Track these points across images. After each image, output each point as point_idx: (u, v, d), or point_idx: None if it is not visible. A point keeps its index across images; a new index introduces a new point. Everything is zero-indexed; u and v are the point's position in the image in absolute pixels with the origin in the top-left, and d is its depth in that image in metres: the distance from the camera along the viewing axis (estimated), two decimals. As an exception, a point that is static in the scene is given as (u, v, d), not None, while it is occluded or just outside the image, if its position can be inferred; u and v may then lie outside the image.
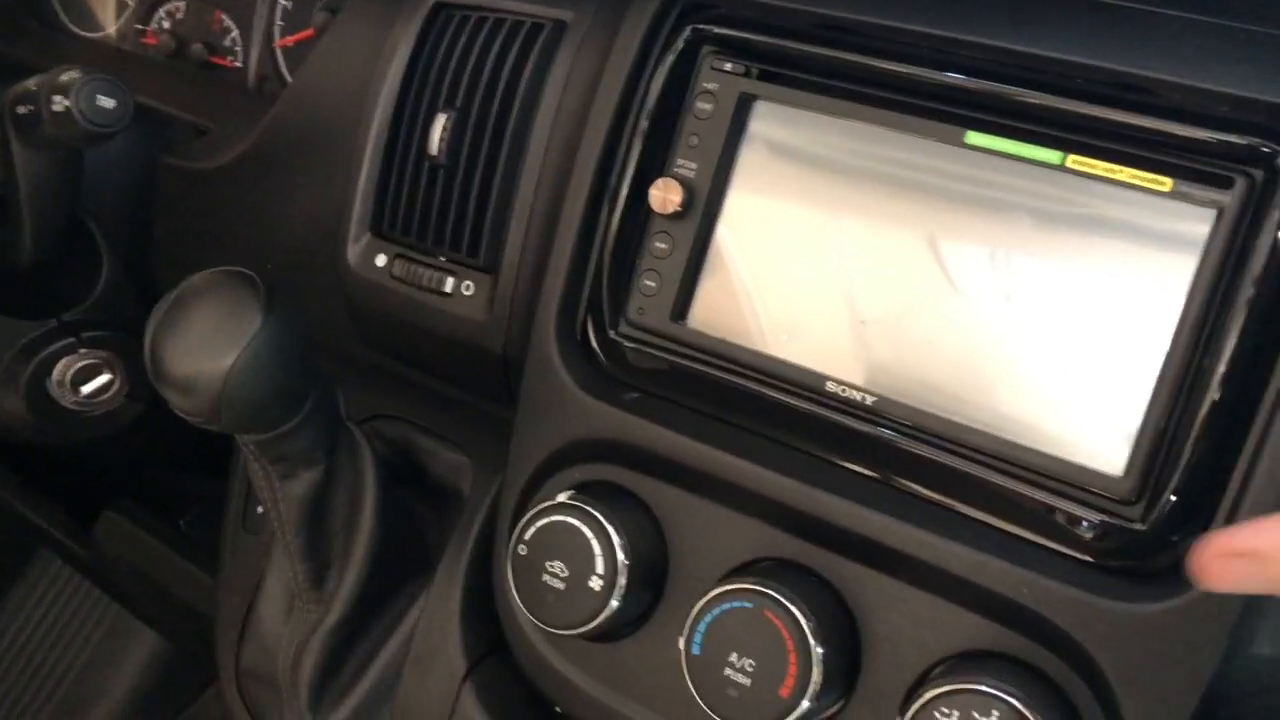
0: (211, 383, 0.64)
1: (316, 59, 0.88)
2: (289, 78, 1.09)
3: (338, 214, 0.83)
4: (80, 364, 0.95)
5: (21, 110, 0.80)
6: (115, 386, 0.97)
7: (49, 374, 0.94)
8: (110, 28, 1.20)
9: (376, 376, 0.85)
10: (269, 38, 1.10)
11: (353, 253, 0.81)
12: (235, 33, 1.12)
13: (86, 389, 0.95)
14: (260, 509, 0.85)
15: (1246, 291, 0.54)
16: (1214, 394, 0.55)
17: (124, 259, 0.98)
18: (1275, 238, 0.54)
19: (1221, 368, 0.55)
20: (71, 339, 0.95)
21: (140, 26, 1.17)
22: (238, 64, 1.12)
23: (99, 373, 0.96)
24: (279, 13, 1.09)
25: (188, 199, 0.97)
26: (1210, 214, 0.55)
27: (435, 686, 0.74)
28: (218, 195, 0.94)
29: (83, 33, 1.22)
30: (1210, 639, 0.54)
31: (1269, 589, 0.47)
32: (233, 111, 1.05)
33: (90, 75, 0.77)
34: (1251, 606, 0.54)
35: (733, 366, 0.67)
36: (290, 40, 1.09)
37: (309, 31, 1.06)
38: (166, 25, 1.16)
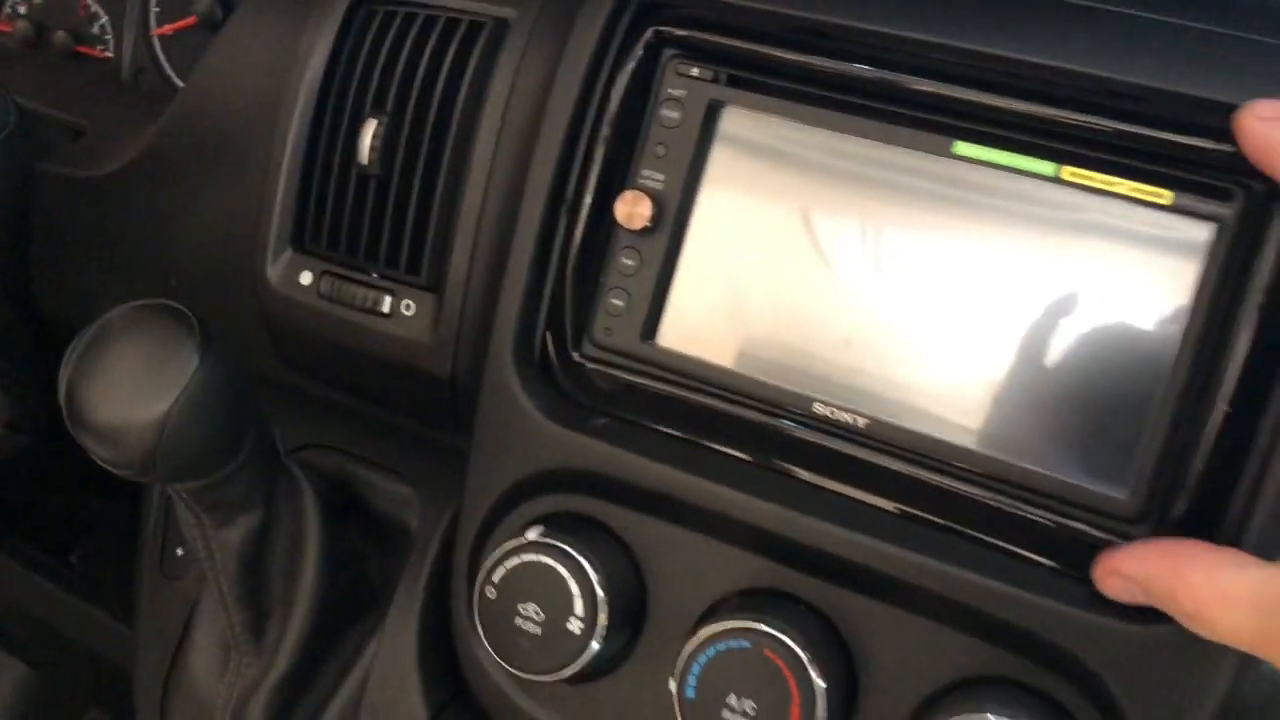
0: (144, 432, 0.57)
1: (219, 51, 0.81)
2: (169, 69, 1.00)
3: (252, 227, 0.76)
4: (-47, 395, 0.86)
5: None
6: (-6, 418, 0.88)
7: (-83, 407, 0.85)
8: (-48, 12, 1.09)
9: (303, 403, 0.79)
10: (144, 25, 1.01)
11: (273, 271, 0.74)
12: (104, 19, 1.03)
13: (-40, 423, 0.86)
14: (180, 551, 0.78)
15: (1251, 305, 0.54)
16: (1221, 411, 0.54)
17: (-1, 277, 0.89)
18: (1279, 251, 0.53)
19: (1228, 383, 0.54)
20: (-57, 368, 0.85)
21: (-9, 12, 1.07)
22: (108, 54, 1.03)
23: (-26, 404, 0.87)
24: (153, -3, 1.00)
25: (71, 210, 0.88)
26: (1210, 228, 0.54)
27: (396, 739, 0.69)
28: (107, 206, 0.86)
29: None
30: (1222, 656, 0.54)
31: (1149, 603, 0.52)
32: (108, 107, 0.97)
33: (-35, 79, 0.68)
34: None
35: (709, 388, 0.63)
36: (169, 29, 1.00)
37: (190, 20, 0.98)
38: (22, 10, 1.06)
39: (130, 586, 0.83)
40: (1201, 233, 0.54)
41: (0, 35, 1.07)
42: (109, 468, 0.59)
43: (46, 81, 1.00)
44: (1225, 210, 0.54)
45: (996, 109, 0.58)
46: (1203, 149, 0.54)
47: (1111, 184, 0.56)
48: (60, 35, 1.03)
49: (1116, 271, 0.56)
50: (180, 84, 0.98)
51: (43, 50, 1.04)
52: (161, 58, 1.00)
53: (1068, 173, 0.56)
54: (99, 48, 1.03)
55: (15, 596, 0.99)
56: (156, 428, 0.57)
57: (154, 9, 1.00)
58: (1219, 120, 0.53)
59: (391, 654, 0.70)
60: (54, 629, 0.99)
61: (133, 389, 0.57)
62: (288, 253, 0.75)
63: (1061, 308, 0.57)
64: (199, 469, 0.61)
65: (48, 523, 1.05)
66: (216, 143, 0.81)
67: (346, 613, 0.72)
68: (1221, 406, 0.54)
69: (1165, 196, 0.55)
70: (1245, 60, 0.54)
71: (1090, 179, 0.56)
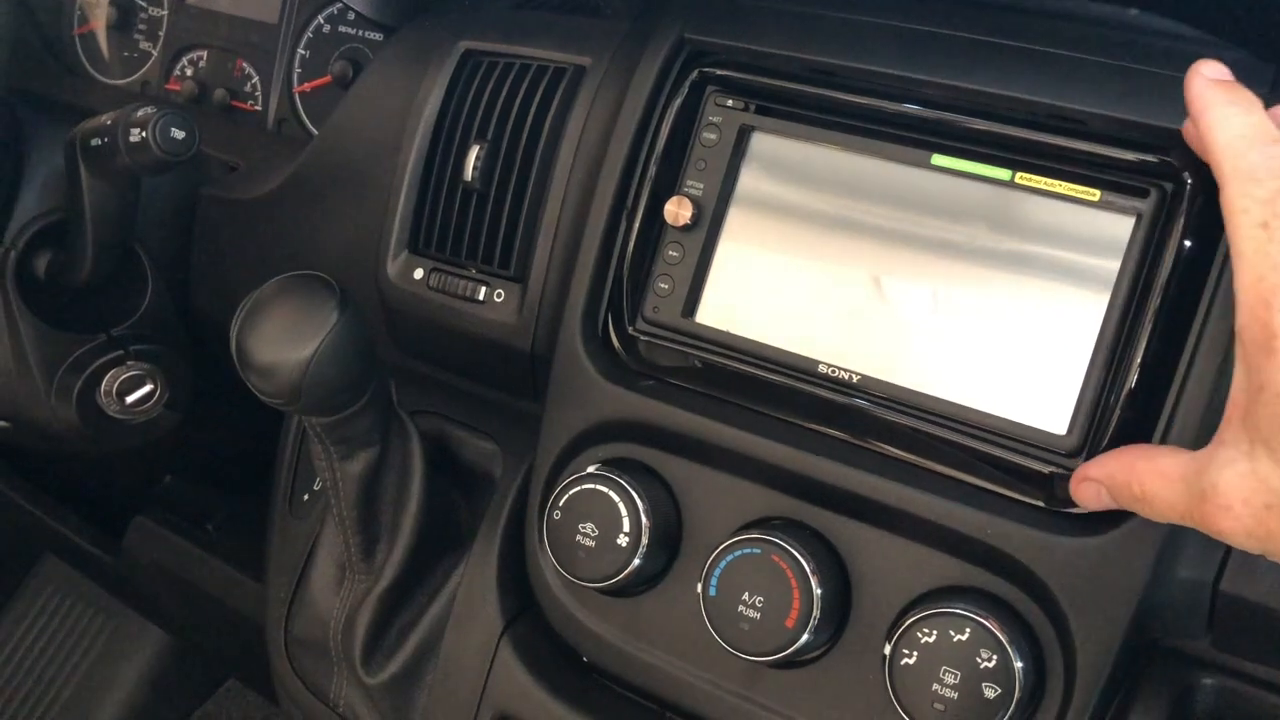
0: (293, 370, 0.73)
1: (350, 102, 0.99)
2: (306, 119, 1.20)
3: (375, 236, 0.93)
4: (126, 375, 1.03)
5: (95, 143, 0.90)
6: (156, 396, 1.05)
7: (98, 385, 1.03)
8: (134, 75, 1.30)
9: (410, 379, 0.95)
10: (289, 84, 1.21)
11: (392, 268, 0.92)
12: (255, 79, 1.23)
13: (131, 398, 1.04)
14: (306, 496, 0.94)
15: (1162, 280, 0.67)
16: (1138, 366, 0.67)
17: (166, 279, 1.08)
18: (1183, 238, 0.67)
19: (1143, 344, 0.67)
20: (120, 352, 1.04)
21: (164, 73, 1.28)
22: (257, 108, 1.23)
23: (143, 383, 1.04)
24: (298, 61, 1.20)
25: (226, 226, 1.07)
26: (1130, 219, 0.68)
27: (476, 641, 0.84)
28: (255, 223, 1.05)
29: (106, 80, 1.32)
30: (1141, 563, 0.66)
31: (1113, 505, 0.63)
32: (256, 150, 1.16)
33: (163, 110, 0.87)
34: (1174, 538, 0.67)
35: (736, 354, 0.78)
36: (308, 86, 1.20)
37: (326, 78, 1.18)
38: (189, 73, 1.27)
39: (260, 551, 1.00)
40: (1124, 223, 0.68)
41: (171, 93, 1.28)
42: (266, 399, 0.75)
43: (206, 129, 1.19)
44: (1142, 205, 0.68)
45: (965, 128, 0.73)
46: (1124, 158, 0.68)
47: (1054, 185, 0.70)
48: (219, 93, 1.24)
49: (1057, 255, 0.70)
50: (315, 131, 1.18)
51: (204, 105, 1.25)
52: (301, 110, 1.20)
53: (1020, 177, 0.71)
54: (250, 103, 1.23)
55: (158, 558, 1.17)
56: (302, 367, 0.73)
57: (296, 70, 1.20)
58: (1139, 134, 0.68)
59: (476, 574, 0.86)
60: (194, 590, 1.16)
61: (285, 337, 0.74)
62: (404, 254, 0.92)
63: (1015, 284, 0.71)
64: (332, 404, 0.77)
65: (183, 502, 1.23)
66: (345, 173, 0.99)
67: (440, 545, 0.87)
68: (1138, 364, 0.67)
69: (1094, 194, 0.69)
70: (1159, 89, 0.69)
71: (1037, 182, 0.71)
